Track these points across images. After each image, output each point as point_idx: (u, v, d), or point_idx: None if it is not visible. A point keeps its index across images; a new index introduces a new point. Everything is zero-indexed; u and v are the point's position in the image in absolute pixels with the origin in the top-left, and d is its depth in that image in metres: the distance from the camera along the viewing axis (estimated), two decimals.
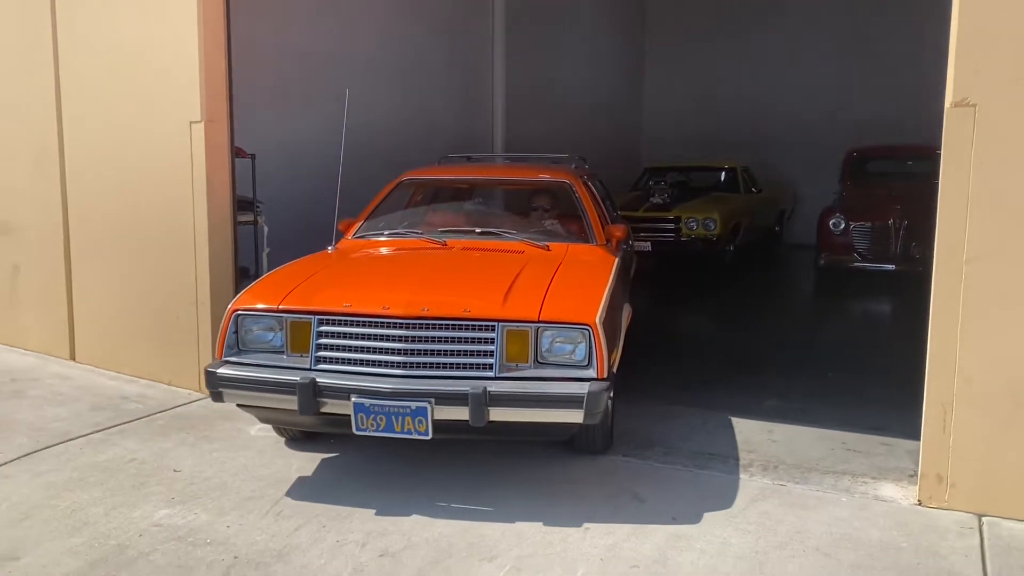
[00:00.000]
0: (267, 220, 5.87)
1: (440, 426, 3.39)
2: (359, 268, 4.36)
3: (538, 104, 10.83)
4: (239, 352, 3.73)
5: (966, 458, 3.43)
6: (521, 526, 3.38)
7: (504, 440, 3.89)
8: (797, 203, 12.96)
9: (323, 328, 3.61)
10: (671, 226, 9.56)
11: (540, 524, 3.39)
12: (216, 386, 3.65)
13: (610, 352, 3.60)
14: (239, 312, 3.74)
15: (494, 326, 3.48)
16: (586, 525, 3.38)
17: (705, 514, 3.47)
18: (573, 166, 5.72)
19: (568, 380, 3.42)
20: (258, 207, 5.79)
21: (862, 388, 5.29)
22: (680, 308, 8.46)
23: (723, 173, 11.25)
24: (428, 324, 3.50)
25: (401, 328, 3.49)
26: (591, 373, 3.44)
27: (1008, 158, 3.26)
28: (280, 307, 3.68)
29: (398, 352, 3.49)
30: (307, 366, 3.57)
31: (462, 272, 4.19)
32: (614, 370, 3.80)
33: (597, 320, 3.49)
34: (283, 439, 4.29)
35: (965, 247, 3.34)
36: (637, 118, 14.76)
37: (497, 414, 3.36)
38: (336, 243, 4.79)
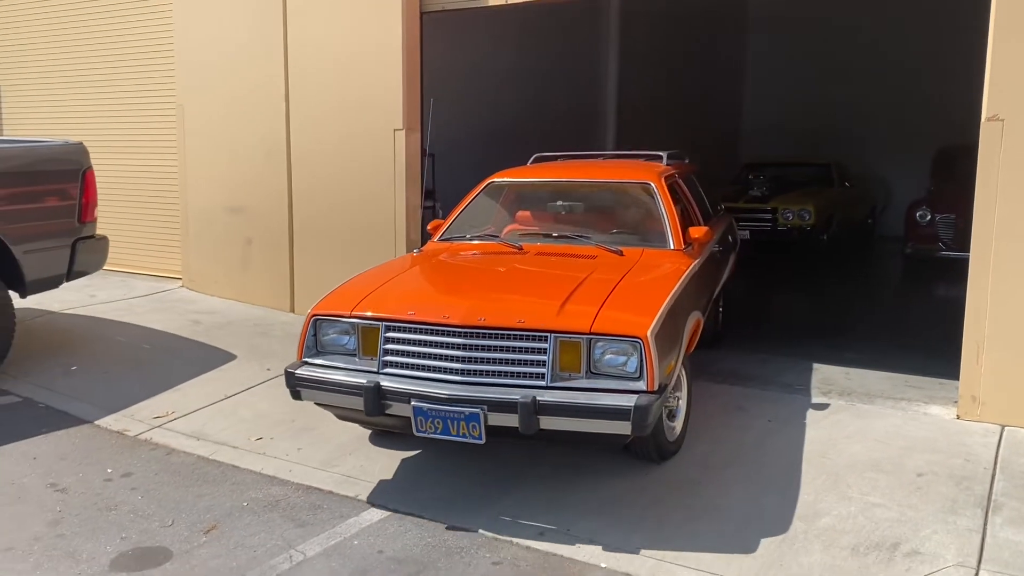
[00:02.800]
0: (441, 205, 7.39)
1: (493, 431, 3.54)
2: (431, 275, 4.54)
3: (646, 103, 12.09)
4: (317, 354, 3.96)
5: (994, 383, 4.58)
6: None
7: (557, 445, 4.10)
8: (890, 198, 13.72)
9: (389, 334, 3.78)
10: (768, 216, 10.63)
11: None
12: (294, 385, 3.90)
13: (665, 363, 3.63)
14: (316, 317, 3.96)
15: (547, 337, 3.58)
16: (707, 421, 4.70)
17: (792, 418, 4.75)
18: (663, 163, 5.65)
19: (619, 392, 3.49)
20: (435, 195, 7.31)
21: (931, 348, 6.31)
22: (777, 287, 9.58)
23: (817, 168, 12.18)
24: (484, 333, 3.63)
25: (460, 336, 3.64)
26: (641, 385, 3.49)
27: None
28: (352, 313, 3.88)
29: (457, 359, 3.64)
30: (375, 369, 3.77)
31: (526, 280, 4.32)
32: (671, 381, 3.82)
33: (649, 333, 3.51)
34: (368, 432, 4.64)
35: (995, 226, 4.49)
36: (737, 116, 15.78)
37: (547, 422, 3.50)
38: (423, 246, 5.10)
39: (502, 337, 3.62)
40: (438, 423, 3.56)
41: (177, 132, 7.99)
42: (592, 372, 3.57)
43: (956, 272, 9.84)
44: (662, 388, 3.57)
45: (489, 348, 3.63)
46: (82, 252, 5.97)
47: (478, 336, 3.64)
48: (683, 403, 4.29)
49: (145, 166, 8.63)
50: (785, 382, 5.45)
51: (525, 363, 3.59)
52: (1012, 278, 4.48)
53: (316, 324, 3.97)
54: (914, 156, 12.65)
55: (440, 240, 5.08)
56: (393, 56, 6.48)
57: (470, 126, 8.57)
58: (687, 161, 6.34)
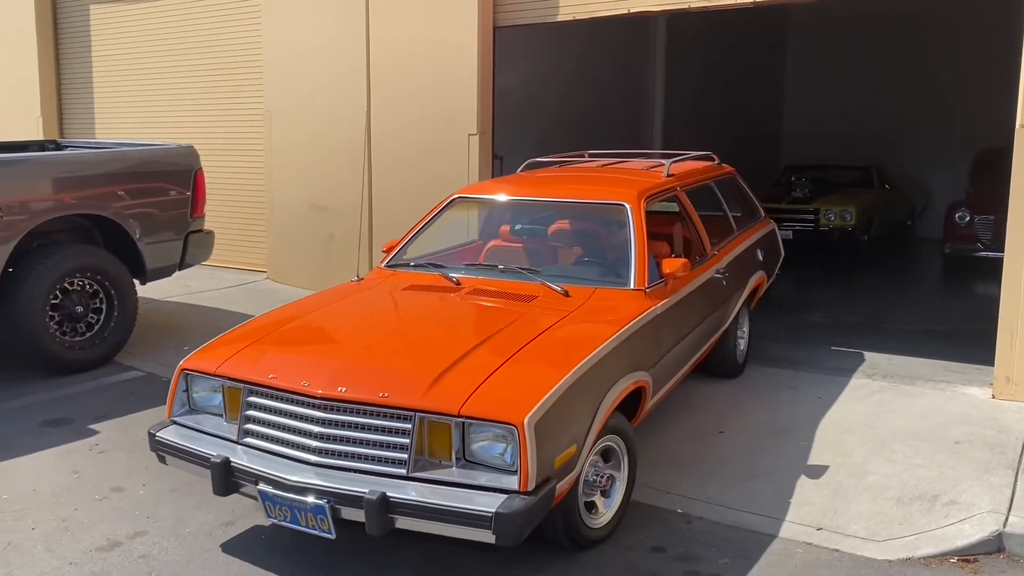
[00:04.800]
0: None
1: (347, 526, 3.05)
2: (328, 321, 4.00)
3: (691, 108, 12.61)
4: (190, 411, 3.58)
5: None
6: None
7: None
8: (929, 200, 14.02)
9: (251, 399, 3.33)
10: (811, 217, 11.06)
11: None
12: (155, 450, 3.53)
13: (551, 454, 3.01)
14: (186, 371, 3.55)
15: (411, 416, 3.02)
16: (763, 398, 5.23)
17: (840, 396, 5.27)
18: (665, 172, 4.99)
19: (489, 490, 2.92)
20: None
21: (970, 339, 6.69)
22: (821, 284, 10.00)
23: (858, 171, 12.57)
24: (343, 407, 3.12)
25: (317, 409, 3.16)
26: (513, 483, 2.90)
27: None
28: (216, 372, 3.44)
29: (314, 435, 3.14)
30: (235, 438, 3.35)
31: (424, 334, 3.76)
32: (572, 471, 3.16)
33: (527, 420, 2.91)
34: None
35: None
36: (778, 120, 16.18)
37: (404, 522, 2.95)
38: (364, 274, 4.64)
39: (362, 412, 3.10)
40: (286, 511, 3.09)
41: (264, 136, 8.68)
42: (468, 460, 3.02)
43: (994, 271, 10.21)
44: (543, 485, 2.96)
45: (348, 425, 3.11)
46: (192, 245, 6.66)
47: (337, 410, 3.13)
48: (621, 484, 3.63)
49: (232, 167, 9.33)
50: (832, 366, 5.94)
51: (386, 446, 3.05)
52: None
53: (187, 379, 3.57)
54: (953, 159, 12.97)
55: (386, 266, 4.61)
56: (469, 67, 7.09)
57: (534, 130, 9.17)
58: (717, 162, 6.02)
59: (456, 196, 4.97)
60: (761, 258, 5.96)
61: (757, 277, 5.84)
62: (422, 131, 7.47)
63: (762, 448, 4.52)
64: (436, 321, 3.91)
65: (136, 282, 6.38)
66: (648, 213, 4.47)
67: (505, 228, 5.12)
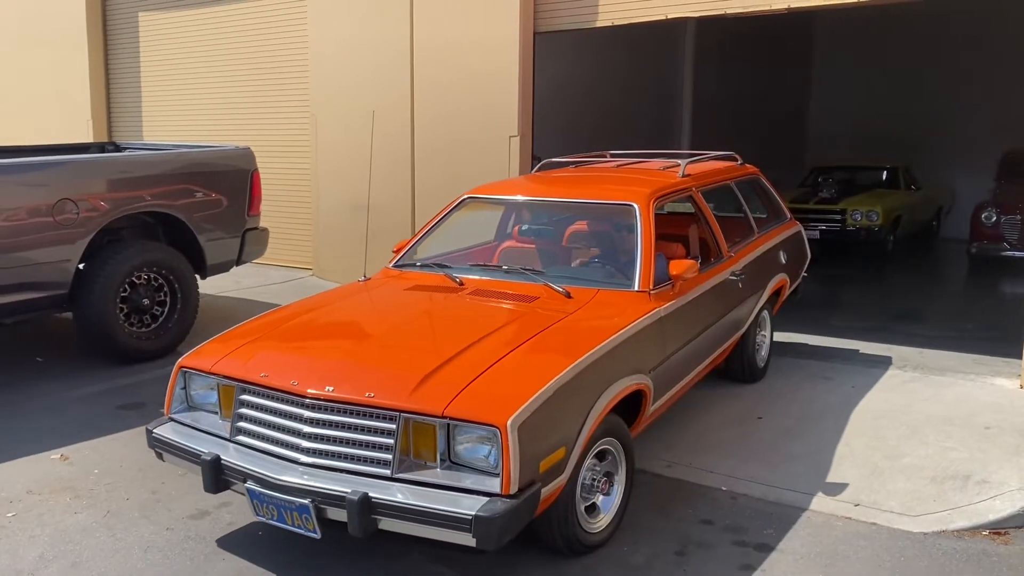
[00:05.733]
0: None
1: (332, 526, 3.06)
2: (326, 320, 4.04)
3: (718, 111, 12.85)
4: (188, 409, 3.64)
5: None
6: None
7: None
8: (955, 202, 14.15)
9: (243, 397, 3.38)
10: (838, 217, 11.25)
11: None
12: (152, 446, 3.58)
13: (535, 457, 2.98)
14: (184, 369, 3.61)
15: (395, 417, 3.04)
16: (798, 387, 5.47)
17: (873, 386, 5.50)
18: (680, 172, 4.91)
19: (472, 492, 2.92)
20: None
21: (999, 334, 6.84)
22: (848, 282, 10.19)
23: (885, 172, 12.73)
24: (330, 407, 3.15)
25: (306, 408, 3.19)
26: (495, 486, 2.90)
27: None
28: (211, 370, 3.50)
29: (303, 435, 3.17)
30: (228, 436, 3.40)
31: (418, 334, 3.77)
32: (560, 474, 3.13)
33: (510, 422, 2.89)
34: None
35: None
36: (804, 123, 16.37)
37: (388, 523, 2.97)
38: (372, 274, 4.61)
39: (349, 412, 3.13)
40: (273, 510, 3.14)
41: (311, 139, 9.02)
42: (453, 462, 3.03)
43: (1020, 270, 10.41)
44: (526, 488, 2.94)
45: (335, 425, 3.14)
46: (249, 242, 7.00)
47: (325, 409, 3.16)
48: (619, 488, 3.63)
49: (278, 167, 9.68)
50: (864, 359, 6.18)
51: (371, 447, 3.07)
52: None
53: (185, 376, 3.65)
54: (978, 161, 13.10)
55: (394, 266, 4.63)
56: (510, 71, 7.39)
57: (569, 131, 9.50)
58: (740, 162, 5.98)
59: (466, 196, 4.96)
60: (784, 260, 5.83)
61: (778, 280, 5.70)
62: (463, 133, 7.77)
63: (799, 432, 4.77)
64: (433, 321, 3.94)
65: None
66: (662, 214, 4.34)
67: (517, 229, 5.18)
